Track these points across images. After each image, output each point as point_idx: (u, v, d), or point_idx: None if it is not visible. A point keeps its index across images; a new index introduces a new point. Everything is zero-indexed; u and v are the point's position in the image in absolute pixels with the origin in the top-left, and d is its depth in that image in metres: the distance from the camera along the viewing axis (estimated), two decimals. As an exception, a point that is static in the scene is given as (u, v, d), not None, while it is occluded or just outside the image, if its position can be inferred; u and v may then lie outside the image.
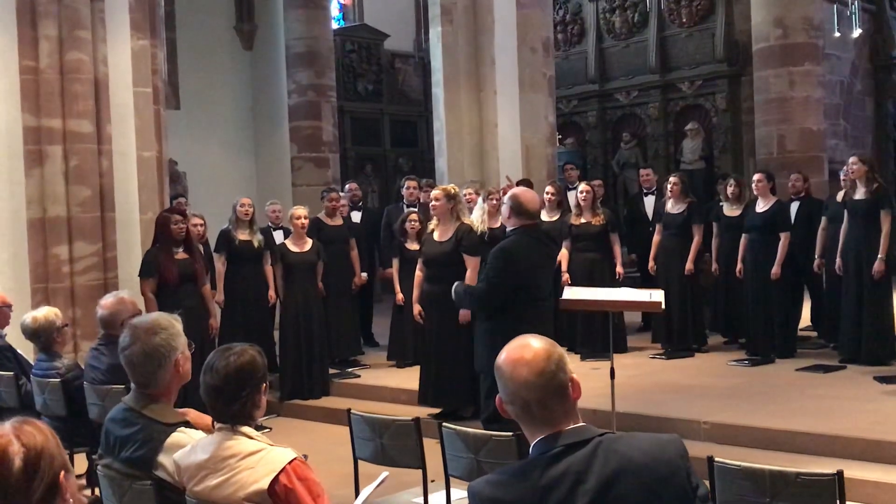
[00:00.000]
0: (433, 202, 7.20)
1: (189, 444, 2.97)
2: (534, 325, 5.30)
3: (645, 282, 9.44)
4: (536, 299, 5.67)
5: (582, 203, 8.81)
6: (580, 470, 2.10)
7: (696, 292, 8.94)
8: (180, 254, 7.31)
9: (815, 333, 9.17)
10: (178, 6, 13.01)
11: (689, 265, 8.71)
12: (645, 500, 2.09)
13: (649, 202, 10.15)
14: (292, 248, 8.29)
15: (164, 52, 9.10)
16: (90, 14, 7.68)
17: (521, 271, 5.60)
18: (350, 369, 8.88)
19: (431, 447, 4.27)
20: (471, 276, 6.92)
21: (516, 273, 5.58)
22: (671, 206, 8.90)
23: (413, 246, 8.76)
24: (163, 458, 3.03)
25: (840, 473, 2.97)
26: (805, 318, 9.17)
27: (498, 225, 8.54)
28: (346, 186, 10.66)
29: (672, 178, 9.02)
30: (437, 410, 7.15)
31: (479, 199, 8.10)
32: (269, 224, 9.34)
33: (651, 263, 8.99)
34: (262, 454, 2.77)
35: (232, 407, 2.81)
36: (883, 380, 7.15)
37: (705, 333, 9.10)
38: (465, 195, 8.27)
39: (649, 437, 2.22)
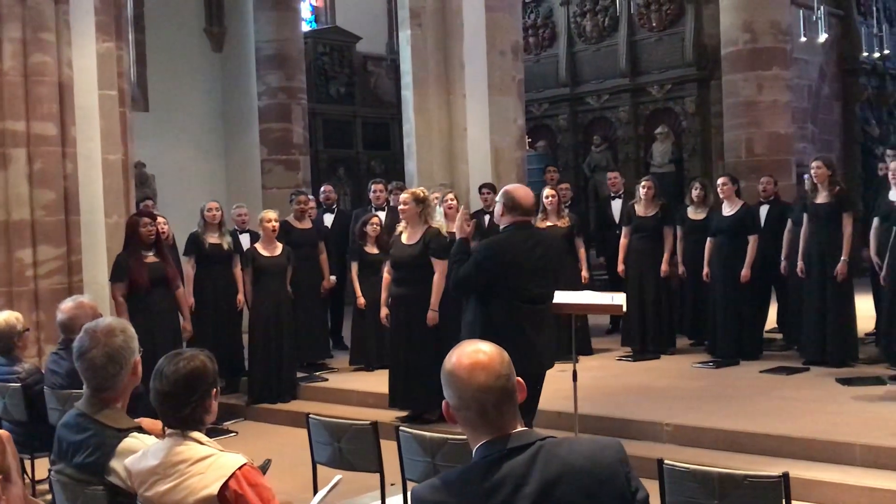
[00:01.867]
0: (402, 206, 7.21)
1: (141, 449, 2.97)
2: (536, 329, 5.31)
3: (614, 285, 9.49)
4: (528, 300, 5.36)
5: (548, 207, 8.85)
6: (521, 474, 2.12)
7: (670, 295, 9.00)
8: (151, 257, 7.25)
9: (780, 335, 9.26)
10: (147, 8, 12.95)
11: (664, 267, 8.79)
12: (584, 503, 2.11)
13: (616, 205, 10.21)
14: (262, 252, 8.27)
15: (130, 55, 9.07)
16: (55, 16, 7.63)
17: (503, 268, 5.34)
18: (318, 373, 8.88)
19: (392, 450, 4.28)
20: (438, 280, 6.95)
21: (496, 268, 5.33)
22: (643, 210, 8.95)
23: (372, 249, 8.78)
24: (115, 464, 3.03)
25: (786, 475, 3.01)
26: (771, 319, 9.26)
27: (455, 229, 8.51)
28: (321, 189, 10.66)
29: (644, 182, 9.08)
30: (406, 413, 7.17)
31: (436, 204, 8.09)
32: (236, 227, 9.31)
33: (621, 266, 9.04)
34: (212, 460, 2.77)
35: (182, 412, 2.81)
36: (845, 382, 7.23)
37: (675, 336, 9.18)
38: (446, 200, 8.30)
39: (589, 442, 2.25)
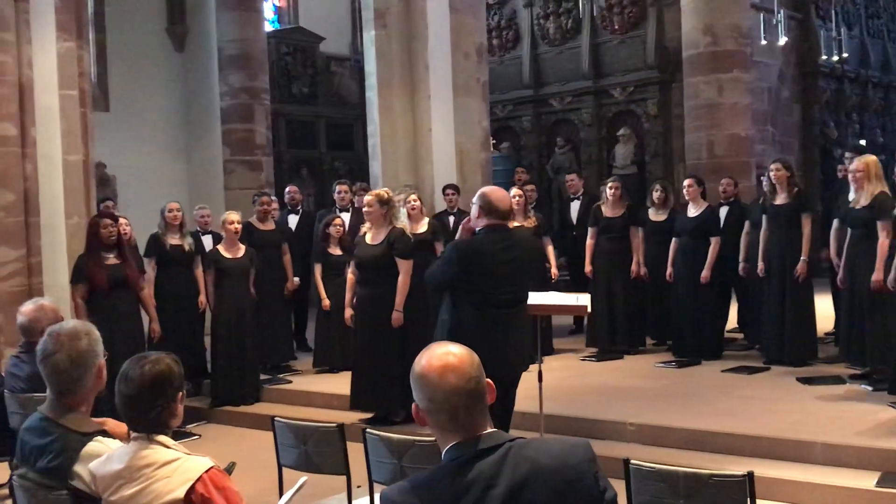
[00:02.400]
0: (366, 207, 7.19)
1: (105, 453, 2.94)
2: (505, 331, 5.25)
3: (576, 285, 9.54)
4: (497, 304, 5.26)
5: (514, 207, 8.86)
6: (491, 475, 2.13)
7: (639, 295, 9.07)
8: (112, 259, 7.20)
9: (741, 335, 9.36)
10: (108, 7, 12.80)
11: (634, 267, 8.86)
12: (553, 503, 2.13)
13: (575, 207, 10.29)
14: (225, 253, 8.22)
15: (91, 54, 8.97)
16: (14, 15, 7.53)
17: (469, 270, 5.24)
18: (282, 375, 8.84)
19: (358, 452, 4.27)
20: (403, 280, 6.95)
21: (461, 270, 5.23)
22: (610, 210, 9.01)
23: (336, 251, 8.75)
24: (79, 468, 2.99)
25: (751, 474, 3.05)
26: (732, 320, 9.36)
27: (423, 230, 8.51)
28: (287, 190, 10.61)
29: (611, 183, 9.14)
30: (369, 415, 7.15)
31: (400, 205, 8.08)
32: (198, 229, 9.23)
33: (588, 267, 9.08)
34: (178, 463, 2.75)
35: (147, 416, 2.78)
36: (805, 381, 7.33)
37: (644, 336, 9.25)
38: (409, 201, 8.29)
39: (558, 442, 2.26)
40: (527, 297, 5.50)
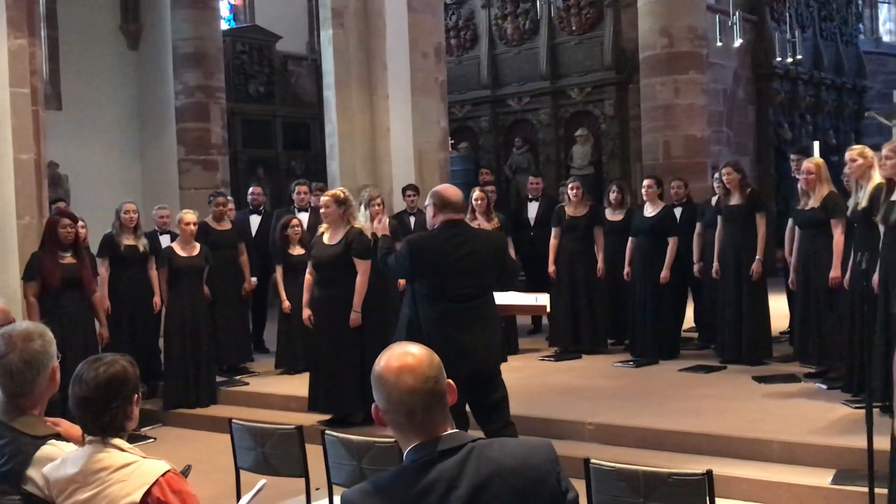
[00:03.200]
0: (323, 207, 7.14)
1: (59, 457, 2.87)
2: (461, 328, 5.18)
3: (534, 285, 9.56)
4: (452, 299, 5.22)
5: (476, 208, 8.87)
6: (453, 476, 2.11)
7: (602, 295, 9.10)
8: (67, 258, 7.12)
9: (697, 335, 9.43)
10: (60, 4, 12.63)
11: (601, 266, 8.91)
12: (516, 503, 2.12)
13: (533, 208, 10.32)
14: (180, 252, 8.12)
15: (43, 52, 8.82)
16: (-37, 11, 7.39)
17: (420, 265, 5.25)
18: (238, 377, 8.76)
19: (317, 455, 4.23)
20: (361, 281, 6.91)
21: (413, 265, 5.26)
22: (573, 210, 9.04)
23: (296, 251, 8.69)
24: (32, 472, 2.93)
25: (709, 473, 3.06)
26: (688, 319, 9.43)
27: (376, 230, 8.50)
28: (249, 190, 10.53)
29: (571, 184, 9.18)
30: (328, 417, 7.11)
31: (362, 207, 8.05)
32: (157, 228, 9.12)
33: (552, 267, 9.09)
34: (134, 467, 2.70)
35: (102, 419, 2.72)
36: (761, 380, 7.40)
37: (606, 336, 9.30)
38: (375, 202, 8.27)
39: (520, 443, 2.26)
40: (487, 291, 5.38)
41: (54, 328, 3.16)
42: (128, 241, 8.31)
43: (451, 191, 5.41)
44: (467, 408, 5.24)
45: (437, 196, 5.31)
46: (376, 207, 8.19)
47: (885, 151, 5.92)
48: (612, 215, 9.10)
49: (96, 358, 2.80)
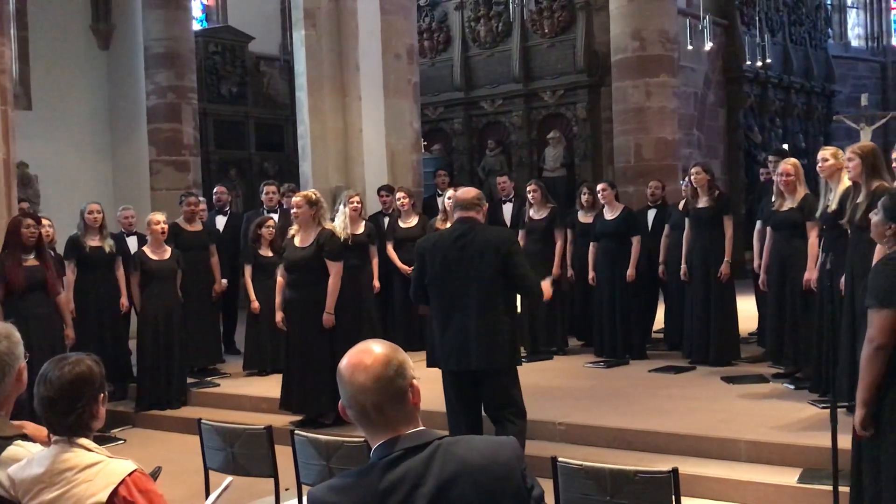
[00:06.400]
0: (294, 208, 7.12)
1: (25, 457, 2.86)
2: (443, 326, 5.31)
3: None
4: (443, 294, 5.33)
5: (449, 209, 8.88)
6: (418, 473, 2.12)
7: (562, 296, 9.13)
8: (31, 260, 7.02)
9: (663, 336, 9.48)
10: (30, 4, 12.49)
11: (556, 269, 8.91)
12: (481, 501, 2.13)
13: (507, 209, 10.32)
14: (151, 255, 8.08)
15: (12, 51, 8.74)
16: (-69, 9, 7.31)
17: (425, 261, 5.40)
18: (209, 378, 8.73)
19: (287, 455, 4.23)
20: (333, 282, 6.90)
21: (422, 264, 5.43)
22: (534, 213, 9.08)
23: (267, 252, 8.67)
24: (-3, 473, 2.91)
25: (675, 471, 3.09)
26: (658, 320, 9.49)
27: (360, 231, 8.57)
28: (214, 190, 10.47)
29: (531, 186, 9.22)
30: (299, 418, 7.09)
31: (340, 206, 8.06)
32: (122, 230, 9.04)
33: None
34: (100, 466, 2.69)
35: (68, 418, 2.71)
36: (729, 380, 7.46)
37: (567, 337, 9.32)
38: (351, 202, 8.28)
39: (486, 440, 2.27)
40: (486, 286, 5.28)
41: (21, 329, 3.14)
42: (93, 241, 8.23)
43: (462, 191, 5.62)
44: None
45: (453, 198, 5.59)
46: (355, 205, 8.20)
47: (847, 154, 5.99)
48: (584, 217, 9.14)
49: (61, 357, 2.79)
